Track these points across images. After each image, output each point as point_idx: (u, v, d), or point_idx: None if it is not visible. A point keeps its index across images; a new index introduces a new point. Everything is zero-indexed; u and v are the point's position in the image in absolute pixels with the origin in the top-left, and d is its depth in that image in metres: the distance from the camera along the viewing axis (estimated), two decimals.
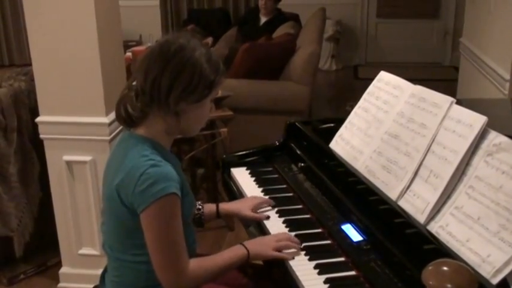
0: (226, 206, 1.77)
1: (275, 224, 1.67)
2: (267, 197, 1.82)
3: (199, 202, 1.76)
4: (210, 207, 1.76)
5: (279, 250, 1.50)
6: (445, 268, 0.98)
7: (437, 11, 7.04)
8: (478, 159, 1.34)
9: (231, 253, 1.52)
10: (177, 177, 1.40)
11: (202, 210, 1.73)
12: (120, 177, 1.40)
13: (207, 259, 1.51)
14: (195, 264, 1.45)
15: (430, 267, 0.99)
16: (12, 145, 2.59)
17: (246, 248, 1.52)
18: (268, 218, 1.69)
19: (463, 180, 1.35)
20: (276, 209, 1.74)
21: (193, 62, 1.40)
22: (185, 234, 1.44)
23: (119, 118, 1.50)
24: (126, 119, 1.48)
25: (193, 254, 1.52)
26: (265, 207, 1.74)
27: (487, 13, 3.38)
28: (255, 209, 1.72)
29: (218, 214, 1.76)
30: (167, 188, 1.36)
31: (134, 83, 1.46)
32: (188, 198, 1.50)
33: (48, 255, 2.79)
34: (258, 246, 1.53)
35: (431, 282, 0.96)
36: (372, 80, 1.84)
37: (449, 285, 0.95)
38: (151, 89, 1.41)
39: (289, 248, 1.51)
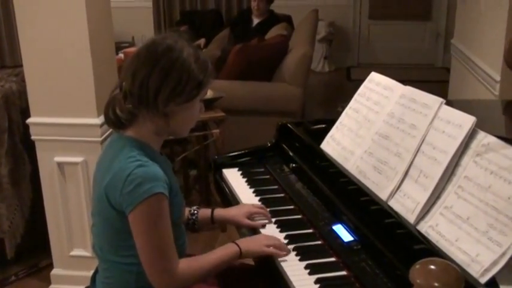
0: (221, 212, 1.75)
1: (267, 225, 1.67)
2: (258, 198, 1.83)
3: (195, 207, 1.74)
4: (204, 213, 1.74)
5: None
6: (432, 267, 0.99)
7: (429, 12, 7.07)
8: (467, 160, 1.35)
9: (223, 251, 1.52)
10: (164, 177, 1.40)
11: (196, 215, 1.72)
12: (108, 178, 1.40)
13: (198, 258, 1.51)
14: (186, 264, 1.45)
15: (417, 266, 1.00)
16: (3, 146, 2.58)
17: (237, 245, 1.52)
18: (263, 226, 1.67)
19: (453, 180, 1.36)
20: (269, 212, 1.73)
21: (181, 62, 1.40)
22: (175, 235, 1.44)
23: (107, 121, 1.50)
24: (115, 122, 1.47)
25: (183, 255, 1.52)
26: (263, 218, 1.70)
27: (478, 15, 3.40)
28: (250, 216, 1.69)
29: (213, 220, 1.74)
30: (154, 187, 1.36)
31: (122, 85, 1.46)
32: (177, 199, 1.50)
33: (40, 257, 2.78)
34: (249, 242, 1.54)
35: (418, 281, 0.97)
36: (364, 81, 1.85)
37: (436, 284, 0.95)
38: (139, 90, 1.40)
39: (279, 247, 1.51)
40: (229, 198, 1.90)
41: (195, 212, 1.72)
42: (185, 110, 1.45)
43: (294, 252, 1.51)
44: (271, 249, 1.49)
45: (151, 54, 1.41)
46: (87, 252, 2.50)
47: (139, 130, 1.46)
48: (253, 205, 1.75)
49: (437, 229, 1.32)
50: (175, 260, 1.43)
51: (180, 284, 1.44)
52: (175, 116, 1.44)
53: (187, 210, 1.72)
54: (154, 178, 1.37)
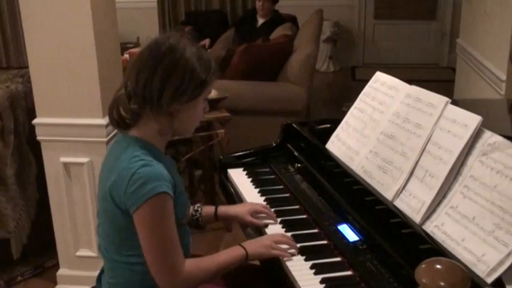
0: (224, 209, 1.75)
1: (272, 225, 1.67)
2: (263, 198, 1.83)
3: (198, 204, 1.75)
4: (208, 210, 1.75)
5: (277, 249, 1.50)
6: (438, 266, 0.99)
7: (434, 12, 7.05)
8: (473, 159, 1.35)
9: (229, 254, 1.52)
10: (168, 176, 1.40)
11: (200, 212, 1.72)
12: (113, 178, 1.40)
13: (204, 259, 1.51)
14: (191, 264, 1.45)
15: (423, 266, 1.00)
16: (9, 147, 2.59)
17: (244, 248, 1.52)
18: (266, 226, 1.67)
19: (458, 180, 1.36)
20: (275, 212, 1.73)
21: (184, 61, 1.40)
22: (179, 235, 1.43)
23: (112, 121, 1.50)
24: (120, 122, 1.48)
25: (187, 255, 1.52)
26: (267, 218, 1.70)
27: (483, 14, 3.39)
28: (254, 214, 1.70)
29: (216, 217, 1.75)
30: (158, 187, 1.36)
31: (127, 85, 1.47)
32: (181, 199, 1.50)
33: (46, 257, 2.79)
34: (256, 246, 1.53)
35: (424, 281, 0.97)
36: (369, 81, 1.84)
37: (442, 284, 0.95)
38: (143, 90, 1.41)
39: (286, 244, 1.51)
40: (235, 198, 1.90)
41: (199, 208, 1.73)
42: (189, 109, 1.45)
43: (300, 252, 1.51)
44: (278, 252, 1.49)
45: (154, 54, 1.42)
46: (92, 253, 2.51)
47: (144, 130, 1.46)
48: (256, 203, 1.75)
49: (443, 229, 1.32)
50: (180, 260, 1.43)
51: (185, 284, 1.44)
52: (179, 115, 1.44)
53: (190, 207, 1.72)
54: (159, 177, 1.37)
